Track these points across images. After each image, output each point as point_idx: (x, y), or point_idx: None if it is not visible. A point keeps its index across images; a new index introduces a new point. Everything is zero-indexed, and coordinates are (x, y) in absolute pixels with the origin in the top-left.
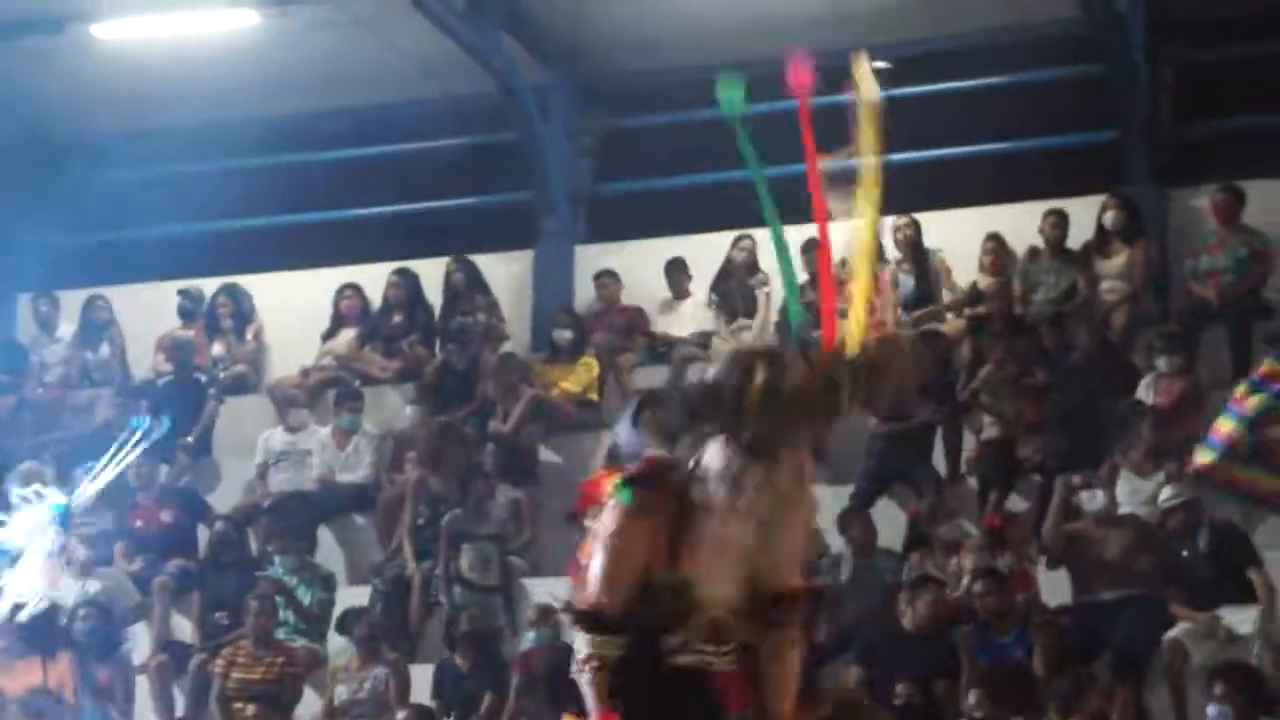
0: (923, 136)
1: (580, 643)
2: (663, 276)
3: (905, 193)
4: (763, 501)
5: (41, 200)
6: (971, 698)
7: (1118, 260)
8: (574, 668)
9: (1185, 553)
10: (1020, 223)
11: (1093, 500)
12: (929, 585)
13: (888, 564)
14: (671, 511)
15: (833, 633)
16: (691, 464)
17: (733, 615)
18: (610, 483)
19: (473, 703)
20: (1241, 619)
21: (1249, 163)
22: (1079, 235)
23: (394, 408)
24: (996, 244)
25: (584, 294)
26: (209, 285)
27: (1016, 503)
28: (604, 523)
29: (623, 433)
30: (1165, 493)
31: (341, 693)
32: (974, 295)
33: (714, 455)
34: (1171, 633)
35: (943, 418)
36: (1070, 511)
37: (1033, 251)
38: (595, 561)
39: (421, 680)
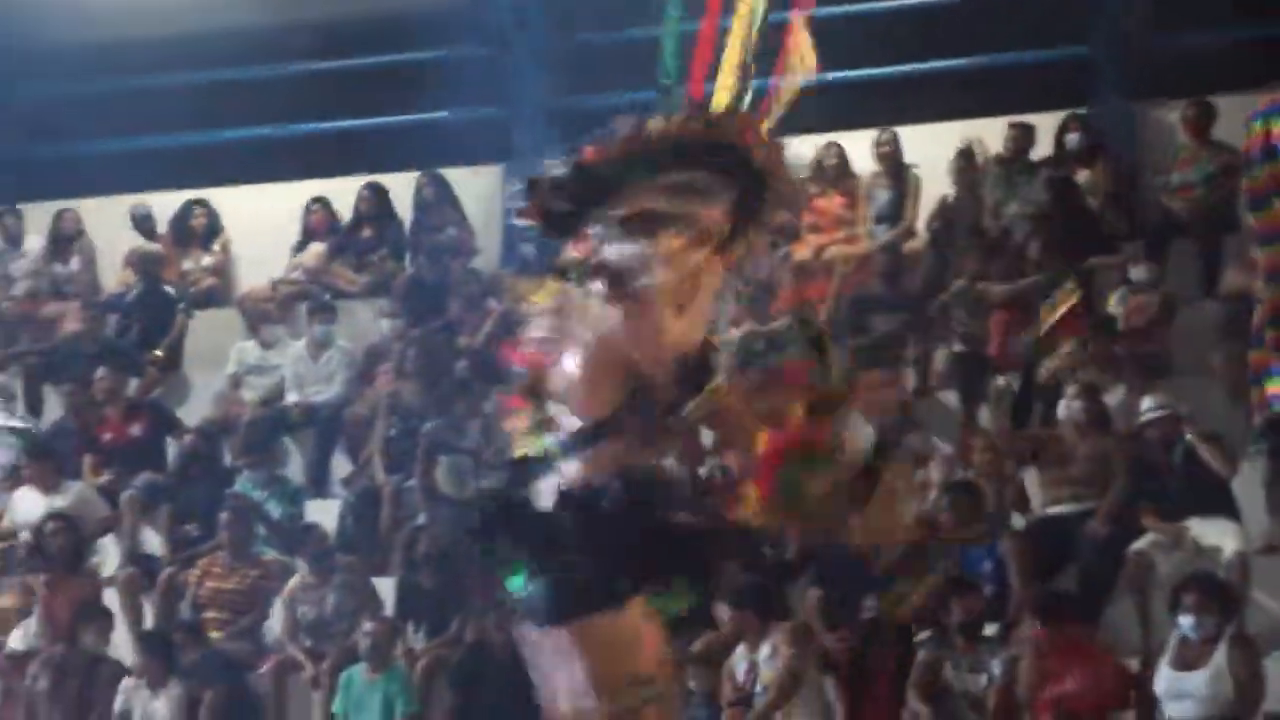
0: (894, 50)
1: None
2: None
3: (876, 106)
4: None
5: (3, 112)
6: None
7: (1082, 175)
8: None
9: (1161, 465)
10: (990, 137)
11: (1069, 408)
12: None
13: None
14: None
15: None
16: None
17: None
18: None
19: (437, 616)
20: (1209, 531)
21: (1220, 77)
22: (1046, 150)
23: (364, 322)
24: (965, 158)
25: None
26: (176, 199)
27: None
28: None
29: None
30: (1146, 402)
31: (306, 613)
32: (943, 208)
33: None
34: (1138, 544)
35: (913, 330)
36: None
37: (999, 160)
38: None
39: (388, 593)
